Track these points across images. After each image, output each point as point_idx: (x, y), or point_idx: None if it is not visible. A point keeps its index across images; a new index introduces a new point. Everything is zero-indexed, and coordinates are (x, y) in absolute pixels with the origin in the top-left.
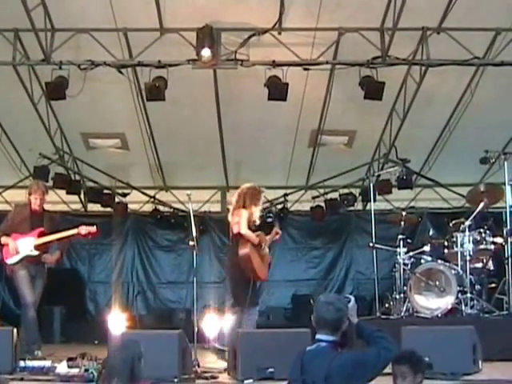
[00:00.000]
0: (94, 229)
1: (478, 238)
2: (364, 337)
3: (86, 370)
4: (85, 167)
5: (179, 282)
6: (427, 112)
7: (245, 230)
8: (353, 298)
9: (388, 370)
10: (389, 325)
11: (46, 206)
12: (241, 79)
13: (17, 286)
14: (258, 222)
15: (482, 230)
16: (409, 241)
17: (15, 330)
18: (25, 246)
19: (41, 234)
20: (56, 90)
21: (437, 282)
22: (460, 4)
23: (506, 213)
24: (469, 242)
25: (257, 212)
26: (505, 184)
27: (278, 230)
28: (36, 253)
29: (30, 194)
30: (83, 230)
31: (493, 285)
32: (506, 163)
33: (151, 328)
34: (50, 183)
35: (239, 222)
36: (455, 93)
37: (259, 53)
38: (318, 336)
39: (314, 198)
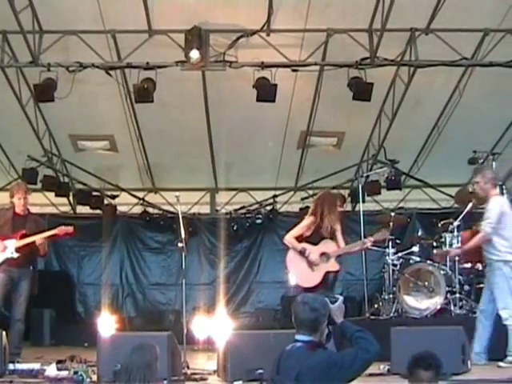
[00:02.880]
0: (70, 229)
1: None
2: (347, 337)
3: (76, 373)
4: (74, 169)
5: (168, 284)
6: (416, 113)
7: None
8: (340, 298)
9: (370, 370)
10: (378, 325)
11: (35, 209)
12: (229, 81)
13: None
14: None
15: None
16: (398, 241)
17: (4, 333)
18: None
19: (22, 237)
20: (44, 92)
21: (426, 283)
22: (448, 5)
23: None
24: (457, 242)
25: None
26: None
27: (367, 242)
28: (16, 255)
29: (12, 197)
30: (61, 230)
31: (481, 285)
32: (494, 163)
33: (141, 330)
34: (39, 185)
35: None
36: (444, 93)
37: (248, 54)
38: (296, 336)
39: (303, 199)
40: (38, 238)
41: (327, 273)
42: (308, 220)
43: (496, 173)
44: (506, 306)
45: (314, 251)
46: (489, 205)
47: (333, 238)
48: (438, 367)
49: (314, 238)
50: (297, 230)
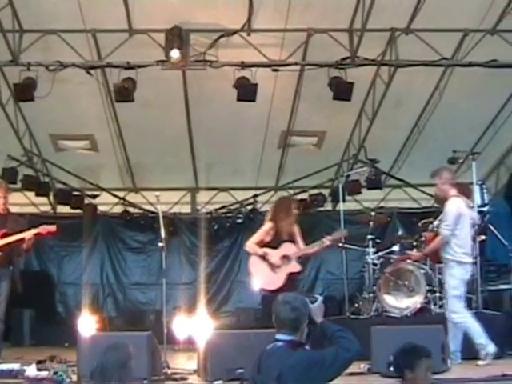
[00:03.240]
0: (53, 228)
1: None
2: (327, 336)
3: (56, 373)
4: (54, 169)
5: (149, 284)
6: (396, 112)
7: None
8: (320, 298)
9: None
10: (358, 324)
11: (15, 208)
12: (210, 80)
13: None
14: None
15: None
16: (378, 241)
17: None
18: None
19: (3, 236)
20: (24, 92)
21: (406, 282)
22: (428, 5)
23: None
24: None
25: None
26: (473, 184)
27: (325, 241)
28: None
29: None
30: (44, 229)
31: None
32: (474, 163)
33: (121, 330)
34: (19, 185)
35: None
36: (424, 93)
37: (228, 54)
38: (276, 335)
39: None
40: (21, 238)
41: (290, 274)
42: (266, 226)
43: (453, 173)
44: (451, 304)
45: (274, 254)
46: (446, 206)
47: (292, 240)
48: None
49: (275, 243)
50: (257, 236)
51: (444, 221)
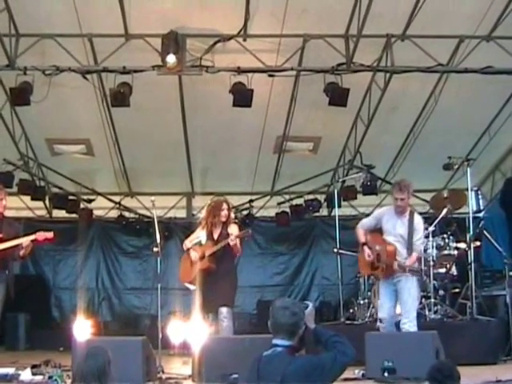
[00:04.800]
0: (50, 234)
1: (442, 244)
2: (321, 342)
3: (50, 377)
4: (50, 173)
5: (144, 288)
6: (392, 118)
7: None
8: (311, 304)
9: (345, 375)
10: (353, 330)
11: (11, 212)
12: (206, 85)
13: None
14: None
15: (445, 236)
16: None
17: None
18: None
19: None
20: (20, 96)
21: None
22: (424, 11)
23: (469, 218)
24: (432, 247)
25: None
26: (468, 190)
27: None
28: None
29: None
30: (40, 235)
31: (456, 290)
32: (468, 169)
33: (116, 334)
34: (15, 189)
35: None
36: (419, 99)
37: (224, 59)
38: (274, 341)
39: (279, 203)
40: (18, 244)
41: (200, 270)
42: (200, 226)
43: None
44: (410, 314)
45: (197, 251)
46: (415, 222)
47: (223, 239)
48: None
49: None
50: (193, 236)
51: (418, 236)
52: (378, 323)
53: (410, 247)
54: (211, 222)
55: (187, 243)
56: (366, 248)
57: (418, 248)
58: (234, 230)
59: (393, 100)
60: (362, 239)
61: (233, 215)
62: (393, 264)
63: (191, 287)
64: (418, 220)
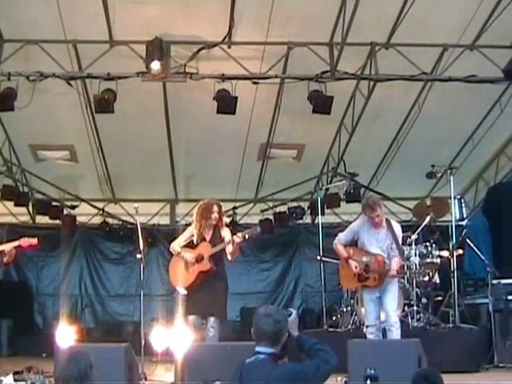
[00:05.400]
0: (34, 241)
1: (425, 252)
2: (305, 349)
3: None
4: (33, 179)
5: (128, 295)
6: (375, 126)
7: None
8: (294, 312)
9: (328, 382)
10: (336, 337)
11: None
12: (190, 92)
13: None
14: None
15: (428, 244)
16: None
17: None
18: None
19: None
20: (4, 102)
21: None
22: (408, 20)
23: (451, 226)
24: (415, 255)
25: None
26: (451, 198)
27: (236, 238)
28: None
29: None
30: (24, 242)
31: (439, 298)
32: (452, 178)
33: (99, 341)
34: None
35: None
36: (403, 107)
37: (209, 66)
38: (257, 348)
39: (262, 211)
40: (6, 248)
41: (200, 272)
42: (189, 228)
43: None
44: (395, 309)
45: (191, 252)
46: (395, 229)
47: (217, 242)
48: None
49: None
50: (181, 238)
51: (399, 245)
52: (366, 329)
53: (394, 254)
54: (201, 224)
55: (175, 246)
56: (351, 261)
57: (401, 256)
58: (227, 233)
59: (377, 108)
60: (345, 254)
61: (226, 219)
62: (386, 272)
63: (182, 291)
64: (397, 227)
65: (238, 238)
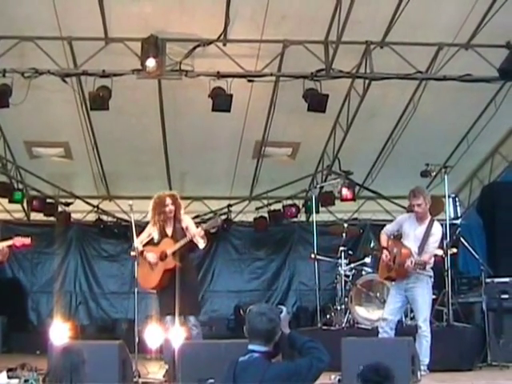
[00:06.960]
0: (28, 240)
1: None
2: (296, 347)
3: (26, 381)
4: (28, 176)
5: (122, 292)
6: (370, 125)
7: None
8: (284, 309)
9: (321, 380)
10: (329, 336)
11: None
12: (185, 90)
13: None
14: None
15: None
16: (350, 252)
17: None
18: None
19: None
20: None
21: (377, 294)
22: (403, 19)
23: (446, 225)
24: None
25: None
26: (445, 197)
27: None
28: None
29: None
30: (18, 241)
31: (433, 296)
32: (446, 176)
33: (93, 338)
34: None
35: None
36: (398, 106)
37: (204, 63)
38: (250, 346)
39: (257, 208)
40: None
41: (165, 271)
42: (149, 225)
43: None
44: (427, 318)
45: (153, 251)
46: (433, 228)
47: (179, 235)
48: (391, 380)
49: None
50: (143, 236)
51: (432, 238)
52: (380, 323)
53: (422, 248)
54: (156, 220)
55: (139, 245)
56: (384, 251)
57: (429, 249)
58: (188, 222)
59: (372, 107)
60: (384, 243)
61: (182, 211)
62: (405, 263)
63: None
64: (437, 227)
65: (199, 233)
